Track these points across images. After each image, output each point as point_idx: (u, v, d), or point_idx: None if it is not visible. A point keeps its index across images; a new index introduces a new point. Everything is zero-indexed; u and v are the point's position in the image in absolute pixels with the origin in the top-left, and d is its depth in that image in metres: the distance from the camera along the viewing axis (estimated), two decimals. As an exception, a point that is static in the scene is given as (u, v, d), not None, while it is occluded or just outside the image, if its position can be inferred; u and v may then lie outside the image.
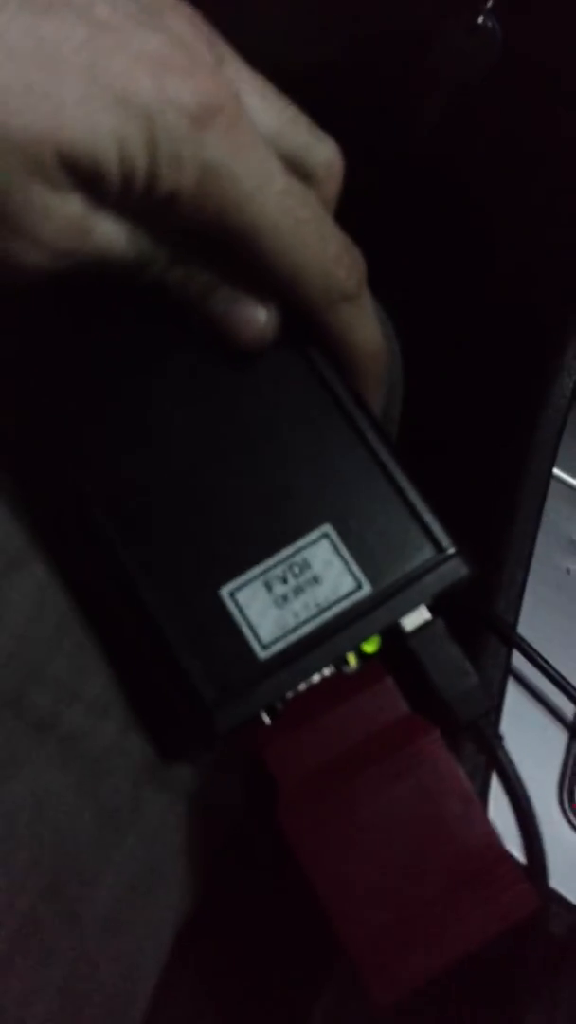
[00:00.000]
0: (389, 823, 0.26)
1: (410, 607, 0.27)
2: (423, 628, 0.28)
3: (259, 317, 0.27)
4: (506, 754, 0.27)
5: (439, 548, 0.28)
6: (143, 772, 0.30)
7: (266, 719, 0.27)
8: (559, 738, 0.31)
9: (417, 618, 0.28)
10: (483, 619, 0.31)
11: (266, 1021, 0.31)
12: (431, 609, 0.28)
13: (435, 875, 0.25)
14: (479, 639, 0.32)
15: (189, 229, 0.25)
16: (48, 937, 0.27)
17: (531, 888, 0.25)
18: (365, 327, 0.28)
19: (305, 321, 0.28)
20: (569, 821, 0.30)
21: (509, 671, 0.32)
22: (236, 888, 0.31)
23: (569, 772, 0.30)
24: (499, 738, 0.27)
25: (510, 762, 0.27)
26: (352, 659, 0.28)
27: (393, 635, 0.28)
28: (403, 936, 0.25)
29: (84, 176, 0.23)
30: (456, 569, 0.27)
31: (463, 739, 0.28)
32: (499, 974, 0.29)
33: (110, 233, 0.24)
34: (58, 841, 0.28)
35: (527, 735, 0.31)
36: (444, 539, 0.28)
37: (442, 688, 0.28)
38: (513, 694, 0.32)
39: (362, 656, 0.28)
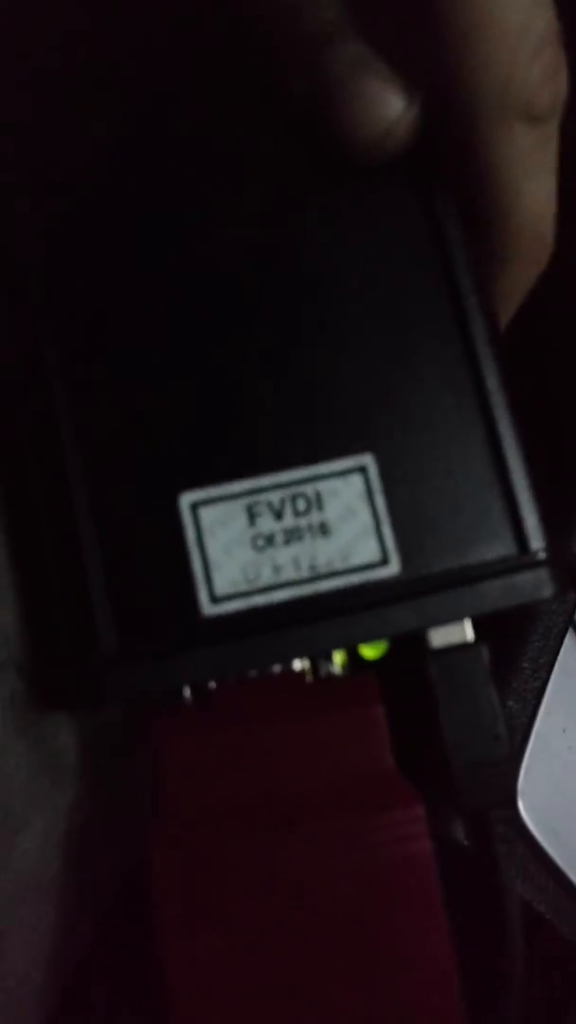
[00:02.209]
0: (300, 921, 0.17)
1: (449, 616, 0.18)
2: (455, 651, 0.18)
3: (393, 105, 0.17)
4: (509, 865, 0.18)
5: (523, 547, 0.18)
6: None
7: (187, 694, 0.18)
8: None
9: (452, 634, 0.18)
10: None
11: None
12: (476, 628, 0.18)
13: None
14: None
15: None
16: None
17: None
18: (539, 181, 0.18)
19: (455, 145, 0.17)
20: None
21: (571, 623, 0.23)
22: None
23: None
24: (507, 838, 0.18)
25: (511, 879, 0.18)
26: (338, 658, 0.18)
27: (409, 643, 0.18)
28: None
29: None
30: (538, 585, 0.18)
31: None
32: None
33: None
34: None
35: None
36: (536, 536, 0.18)
37: (453, 747, 0.18)
38: (570, 650, 0.24)
39: (354, 658, 0.19)
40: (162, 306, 0.18)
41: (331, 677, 0.18)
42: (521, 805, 0.22)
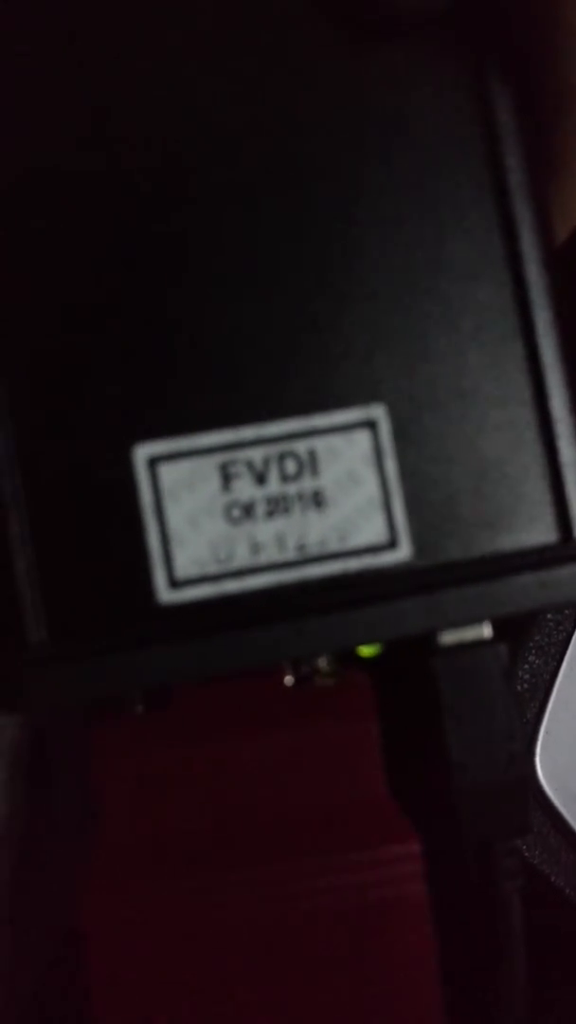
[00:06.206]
0: (268, 980, 0.14)
1: (469, 617, 0.14)
2: (468, 650, 0.15)
3: None
4: (517, 908, 0.15)
5: (567, 533, 0.14)
6: None
7: (137, 699, 0.15)
8: None
9: (466, 630, 0.15)
10: None
11: None
12: (496, 626, 0.15)
13: None
14: None
15: None
16: None
17: None
18: None
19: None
20: None
21: None
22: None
23: None
24: (515, 873, 0.15)
25: (519, 925, 0.15)
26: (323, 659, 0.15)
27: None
28: None
29: None
30: (579, 582, 0.14)
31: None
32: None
33: None
34: None
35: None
36: (584, 522, 0.14)
37: (459, 767, 0.15)
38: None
39: (345, 657, 0.15)
40: (114, 194, 0.14)
41: (315, 678, 0.15)
42: (539, 771, 0.20)
